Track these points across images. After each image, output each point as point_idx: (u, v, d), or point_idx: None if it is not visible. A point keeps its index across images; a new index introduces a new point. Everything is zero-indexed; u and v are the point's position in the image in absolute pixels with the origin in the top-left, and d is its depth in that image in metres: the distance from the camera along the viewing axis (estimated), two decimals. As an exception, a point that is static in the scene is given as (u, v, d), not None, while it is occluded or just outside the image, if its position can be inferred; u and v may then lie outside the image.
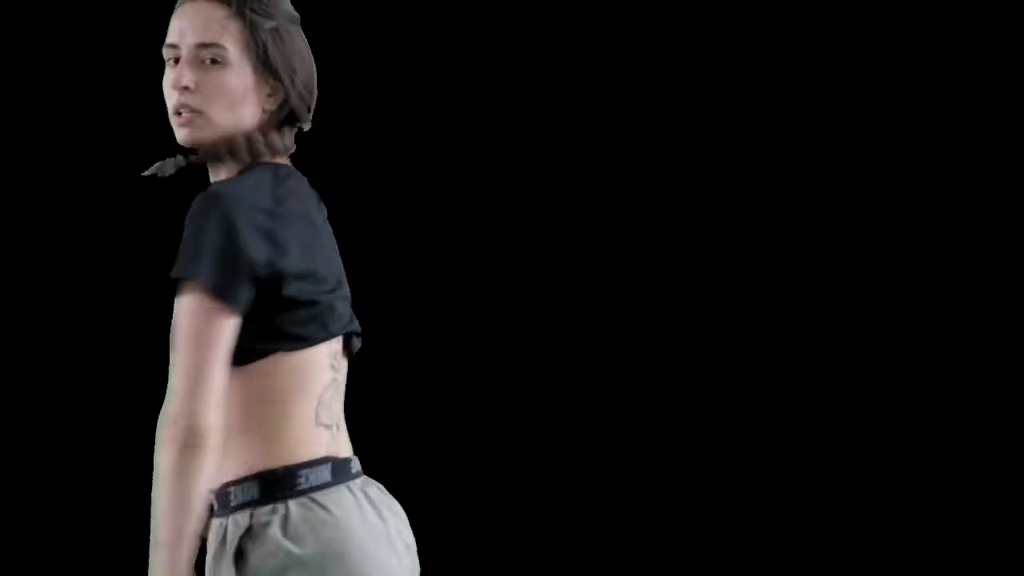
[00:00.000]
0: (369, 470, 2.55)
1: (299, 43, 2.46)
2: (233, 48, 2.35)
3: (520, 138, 4.46)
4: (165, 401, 2.27)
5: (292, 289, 2.32)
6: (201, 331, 2.30)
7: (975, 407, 4.42)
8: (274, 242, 2.30)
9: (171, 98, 2.36)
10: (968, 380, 4.42)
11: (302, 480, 2.36)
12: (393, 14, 4.44)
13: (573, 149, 4.47)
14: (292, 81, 2.41)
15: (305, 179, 2.51)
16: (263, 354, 2.33)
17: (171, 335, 2.33)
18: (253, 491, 2.33)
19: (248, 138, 2.37)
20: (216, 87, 2.34)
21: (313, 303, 2.37)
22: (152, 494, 2.25)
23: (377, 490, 2.52)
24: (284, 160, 2.47)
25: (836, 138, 4.44)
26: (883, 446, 4.43)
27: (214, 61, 2.34)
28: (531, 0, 4.43)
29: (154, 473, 2.24)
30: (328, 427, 2.46)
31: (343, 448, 2.51)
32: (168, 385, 2.30)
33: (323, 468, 2.40)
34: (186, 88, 2.33)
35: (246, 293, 2.29)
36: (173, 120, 2.37)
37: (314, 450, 2.41)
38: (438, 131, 4.46)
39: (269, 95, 2.39)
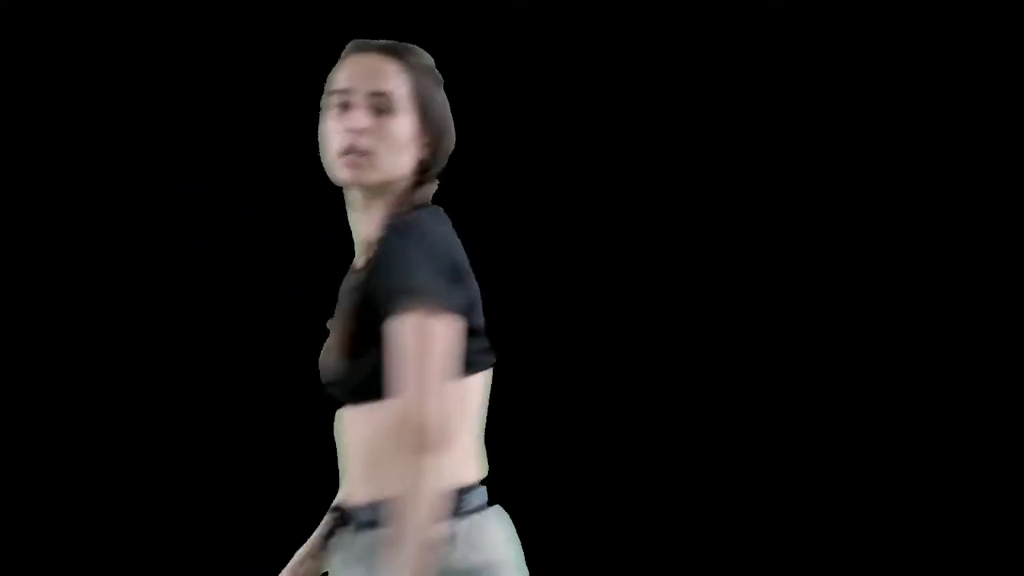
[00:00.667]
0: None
1: (445, 103, 2.61)
2: (401, 98, 2.50)
3: (519, 138, 4.46)
4: (404, 409, 2.33)
5: (475, 317, 2.43)
6: (433, 341, 2.35)
7: (975, 407, 4.43)
8: (463, 270, 2.46)
9: (339, 139, 2.50)
10: (968, 380, 4.43)
11: (464, 504, 2.46)
12: (393, 14, 4.44)
13: (573, 149, 4.47)
14: (442, 136, 2.56)
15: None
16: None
17: (397, 350, 2.35)
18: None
19: (409, 184, 2.51)
20: (386, 133, 2.47)
21: (482, 332, 2.47)
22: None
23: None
24: None
25: (836, 138, 4.44)
26: (883, 446, 4.44)
27: (385, 109, 2.48)
28: (531, 0, 4.44)
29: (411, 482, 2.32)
30: (477, 453, 2.54)
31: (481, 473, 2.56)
32: (406, 395, 2.34)
33: (480, 492, 2.51)
34: (360, 131, 2.47)
35: (463, 302, 2.40)
36: (337, 161, 2.50)
37: (472, 474, 2.50)
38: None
39: (425, 145, 2.52)
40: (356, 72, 2.55)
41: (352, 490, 2.54)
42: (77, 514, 4.46)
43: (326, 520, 2.71)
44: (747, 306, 4.46)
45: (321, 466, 4.50)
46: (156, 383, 4.46)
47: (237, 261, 4.45)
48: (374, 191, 2.49)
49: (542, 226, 4.50)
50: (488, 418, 2.44)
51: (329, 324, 2.64)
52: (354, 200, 2.52)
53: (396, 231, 2.41)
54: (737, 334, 4.46)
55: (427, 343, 2.33)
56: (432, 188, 2.58)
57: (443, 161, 2.59)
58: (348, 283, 2.55)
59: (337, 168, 2.51)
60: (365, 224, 2.52)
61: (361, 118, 2.49)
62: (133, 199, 4.47)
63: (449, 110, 2.61)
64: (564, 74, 4.44)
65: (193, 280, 4.46)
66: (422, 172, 2.53)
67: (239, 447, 4.44)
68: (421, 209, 2.50)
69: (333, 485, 4.46)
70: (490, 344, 2.49)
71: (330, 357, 2.57)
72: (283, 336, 4.45)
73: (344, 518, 2.57)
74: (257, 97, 4.45)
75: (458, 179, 4.41)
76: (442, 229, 2.49)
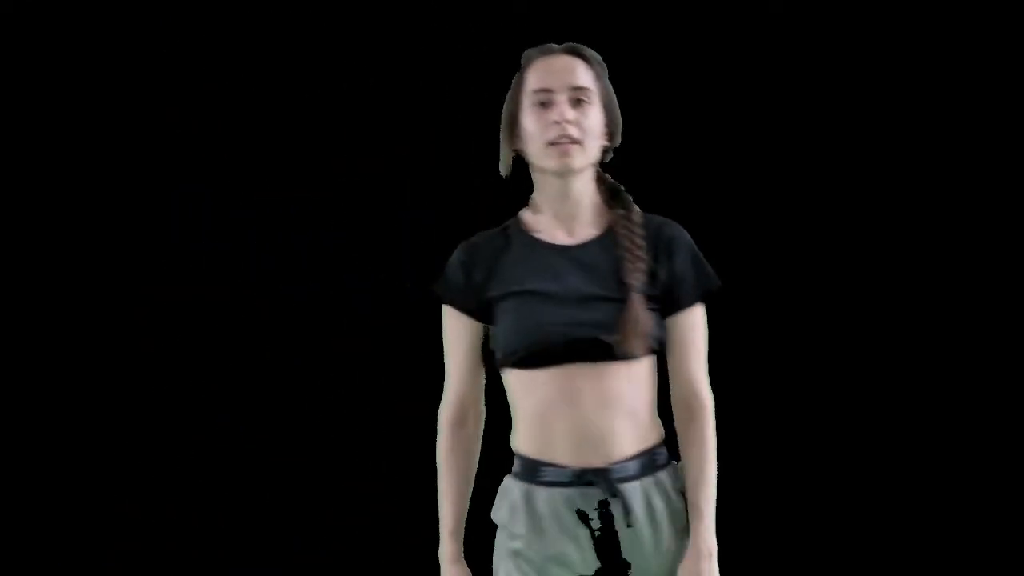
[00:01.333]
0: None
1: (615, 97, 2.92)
2: (594, 90, 2.82)
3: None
4: (700, 388, 2.81)
5: None
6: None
7: (974, 407, 4.43)
8: None
9: (549, 131, 2.78)
10: (967, 380, 4.43)
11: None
12: (393, 14, 4.44)
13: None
14: (616, 125, 2.88)
15: None
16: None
17: (694, 336, 2.80)
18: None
19: (601, 165, 2.88)
20: (589, 122, 2.80)
21: None
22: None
23: None
24: None
25: (835, 138, 4.44)
26: (882, 446, 4.44)
27: (585, 101, 2.80)
28: (531, 0, 4.44)
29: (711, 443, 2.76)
30: None
31: None
32: (699, 376, 2.81)
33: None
34: (569, 122, 2.77)
35: None
36: (547, 150, 2.78)
37: None
38: (438, 131, 4.46)
39: (605, 134, 2.85)
40: (552, 72, 2.82)
41: (611, 449, 2.74)
42: (77, 514, 4.45)
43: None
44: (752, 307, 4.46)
45: (320, 466, 4.51)
46: (156, 383, 4.46)
47: (237, 261, 4.45)
48: (575, 175, 2.80)
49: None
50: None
51: (567, 290, 2.77)
52: (549, 184, 2.82)
53: (673, 226, 2.84)
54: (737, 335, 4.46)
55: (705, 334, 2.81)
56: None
57: (610, 150, 2.90)
58: (591, 255, 2.80)
59: (548, 157, 2.79)
60: (569, 205, 2.82)
61: (567, 110, 2.78)
62: (133, 199, 4.47)
63: (616, 104, 2.90)
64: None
65: (193, 280, 4.46)
66: (603, 157, 2.87)
67: (239, 447, 4.44)
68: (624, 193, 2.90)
69: (333, 484, 4.47)
70: None
71: (610, 321, 2.74)
72: (283, 336, 4.45)
73: (595, 477, 2.74)
74: (257, 97, 4.45)
75: (459, 180, 4.40)
76: None
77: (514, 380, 2.75)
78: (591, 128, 2.79)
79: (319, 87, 4.45)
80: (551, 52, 2.85)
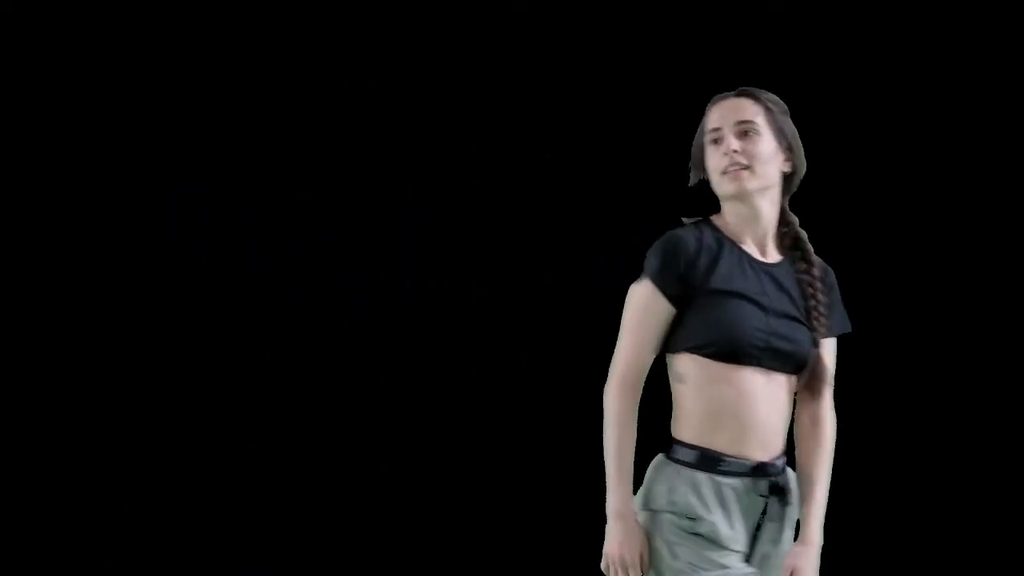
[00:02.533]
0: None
1: (794, 130, 3.16)
2: (761, 122, 3.11)
3: (516, 139, 4.46)
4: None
5: None
6: None
7: (975, 407, 4.43)
8: None
9: (721, 162, 3.07)
10: (968, 380, 4.43)
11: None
12: (392, 14, 4.44)
13: (573, 150, 4.47)
14: (795, 153, 3.14)
15: None
16: None
17: (830, 364, 3.08)
18: None
19: (779, 192, 3.13)
20: (756, 148, 3.09)
21: None
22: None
23: None
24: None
25: (835, 139, 4.44)
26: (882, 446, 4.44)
27: (750, 132, 3.09)
28: (531, 0, 4.44)
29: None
30: None
31: None
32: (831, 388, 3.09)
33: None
34: (735, 151, 3.07)
35: None
36: (721, 179, 3.08)
37: None
38: (438, 131, 4.46)
39: (784, 161, 3.12)
40: (723, 113, 3.14)
41: (772, 446, 3.02)
42: (78, 514, 4.45)
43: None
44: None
45: (320, 466, 4.51)
46: (156, 383, 4.46)
47: (237, 261, 4.45)
48: (753, 196, 3.09)
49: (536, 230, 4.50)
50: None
51: (771, 302, 3.05)
52: (734, 209, 3.09)
53: (830, 272, 3.13)
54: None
55: None
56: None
57: (797, 180, 3.17)
58: (784, 277, 3.10)
59: (723, 184, 3.09)
60: (758, 226, 3.10)
61: (733, 141, 3.09)
62: (133, 199, 4.47)
63: (798, 136, 3.16)
64: (564, 75, 4.44)
65: (193, 280, 4.46)
66: (786, 182, 3.14)
67: (239, 447, 4.44)
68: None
69: (332, 484, 4.46)
70: None
71: (805, 341, 3.05)
72: (283, 336, 4.45)
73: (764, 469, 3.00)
74: (257, 97, 4.45)
75: (459, 180, 4.38)
76: None
77: (697, 369, 3.02)
78: (759, 154, 3.09)
79: (319, 87, 4.45)
80: (725, 97, 3.17)
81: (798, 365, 3.05)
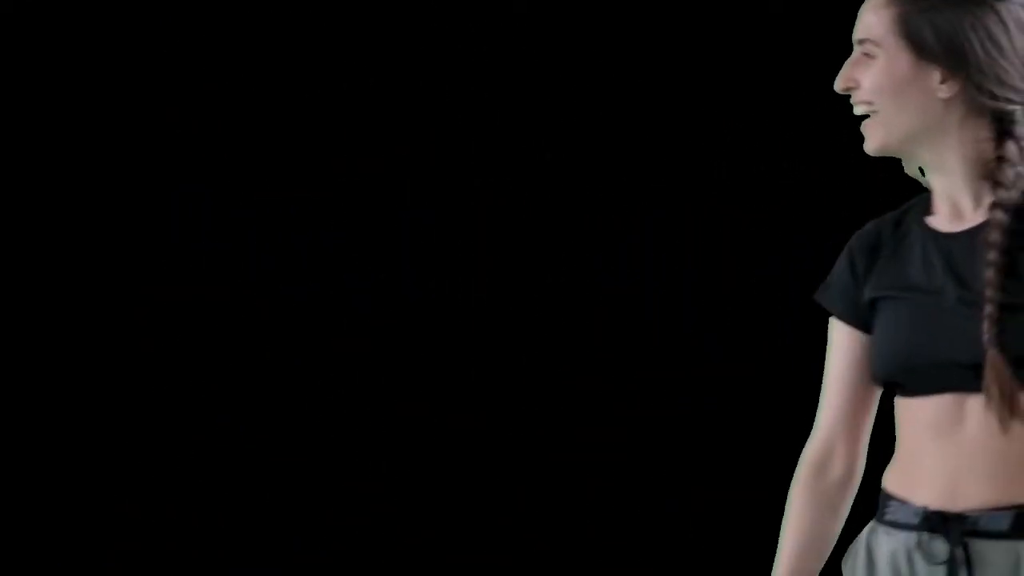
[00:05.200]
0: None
1: (962, 20, 2.18)
2: (883, 34, 2.22)
3: (516, 139, 4.46)
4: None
5: None
6: None
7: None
8: None
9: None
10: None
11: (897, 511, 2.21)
12: (391, 13, 4.44)
13: (573, 150, 4.47)
14: (965, 61, 2.17)
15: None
16: None
17: None
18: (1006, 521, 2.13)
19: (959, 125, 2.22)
20: (873, 79, 2.21)
21: None
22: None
23: None
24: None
25: (836, 138, 4.43)
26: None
27: (868, 55, 2.23)
28: (531, 0, 4.43)
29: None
30: None
31: None
32: None
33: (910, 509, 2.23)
34: (850, 87, 2.24)
35: None
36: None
37: None
38: (438, 131, 4.46)
39: (941, 82, 2.19)
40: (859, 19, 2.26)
41: (977, 491, 2.14)
42: (77, 514, 4.45)
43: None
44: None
45: (320, 466, 4.50)
46: (156, 383, 4.46)
47: (236, 261, 4.45)
48: (914, 150, 2.22)
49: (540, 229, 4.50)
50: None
51: (946, 288, 2.20)
52: (915, 164, 2.26)
53: None
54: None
55: None
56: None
57: (994, 90, 2.17)
58: (972, 247, 2.19)
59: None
60: (944, 181, 2.21)
61: (848, 73, 2.23)
62: (133, 199, 4.47)
63: (967, 30, 2.16)
64: (563, 74, 4.43)
65: (193, 280, 4.45)
66: (976, 103, 2.17)
67: (239, 447, 4.44)
68: None
69: (332, 484, 4.46)
70: None
71: (975, 336, 2.13)
72: (283, 336, 4.45)
73: (943, 524, 2.16)
74: (257, 97, 4.44)
75: (459, 180, 4.38)
76: None
77: (896, 404, 2.23)
78: (879, 86, 2.18)
79: (318, 87, 4.44)
80: None
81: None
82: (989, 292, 2.09)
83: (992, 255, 2.10)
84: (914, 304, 2.17)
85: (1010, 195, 2.13)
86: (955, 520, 2.12)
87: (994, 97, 2.16)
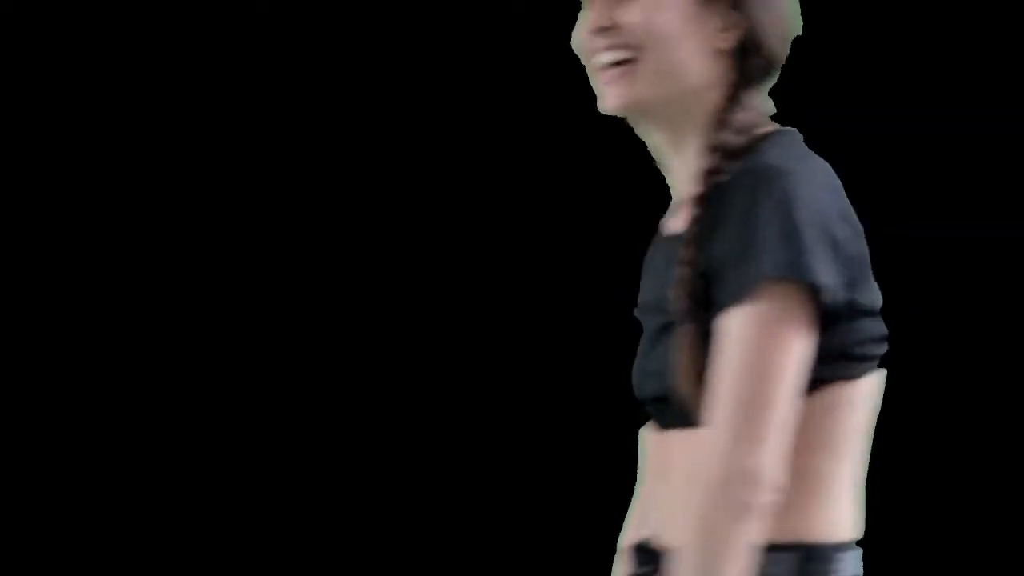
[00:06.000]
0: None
1: None
2: None
3: (515, 139, 4.46)
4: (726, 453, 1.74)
5: (862, 291, 1.83)
6: (780, 353, 1.73)
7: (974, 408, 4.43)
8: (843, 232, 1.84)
9: (586, 49, 1.92)
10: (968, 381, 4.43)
11: (839, 569, 1.83)
12: (390, 12, 4.44)
13: (573, 149, 4.47)
14: (751, 11, 1.84)
15: None
16: (821, 383, 1.80)
17: (722, 362, 1.74)
18: (787, 566, 1.80)
19: (722, 98, 1.85)
20: (639, 19, 1.83)
21: (875, 311, 1.85)
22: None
23: None
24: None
25: (833, 140, 4.43)
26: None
27: None
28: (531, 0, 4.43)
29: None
30: (855, 494, 1.89)
31: (859, 526, 1.92)
32: (728, 433, 1.74)
33: (854, 556, 1.87)
34: (602, 28, 1.85)
35: (841, 281, 1.79)
36: (597, 83, 1.91)
37: (848, 526, 1.87)
38: (436, 131, 4.46)
39: (722, 29, 1.84)
40: None
41: (669, 528, 1.89)
42: (75, 514, 4.45)
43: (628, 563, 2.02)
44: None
45: (320, 465, 4.50)
46: (155, 383, 4.46)
47: (236, 261, 4.45)
48: (644, 117, 1.84)
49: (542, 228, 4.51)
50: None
51: (638, 314, 1.93)
52: (652, 138, 1.89)
53: (742, 186, 1.74)
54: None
55: (769, 356, 1.71)
56: (764, 99, 1.87)
57: (775, 49, 1.84)
58: (660, 257, 1.89)
59: (600, 93, 1.86)
60: (672, 174, 1.88)
61: (598, 11, 1.83)
62: (131, 199, 4.47)
63: None
64: (563, 74, 4.43)
65: (192, 279, 4.46)
66: (741, 75, 1.83)
67: (240, 447, 4.44)
68: (770, 140, 1.81)
69: (333, 483, 4.46)
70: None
71: (657, 369, 1.84)
72: (283, 335, 4.45)
73: (649, 559, 1.94)
74: (257, 97, 4.45)
75: (457, 179, 4.40)
76: (810, 165, 1.79)
77: None
78: (648, 26, 1.78)
79: (318, 85, 4.45)
80: None
81: (674, 406, 1.80)
82: (672, 310, 1.79)
83: (680, 271, 1.77)
84: (642, 326, 1.91)
85: (714, 180, 1.78)
86: (661, 556, 1.88)
87: (762, 56, 1.84)
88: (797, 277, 1.70)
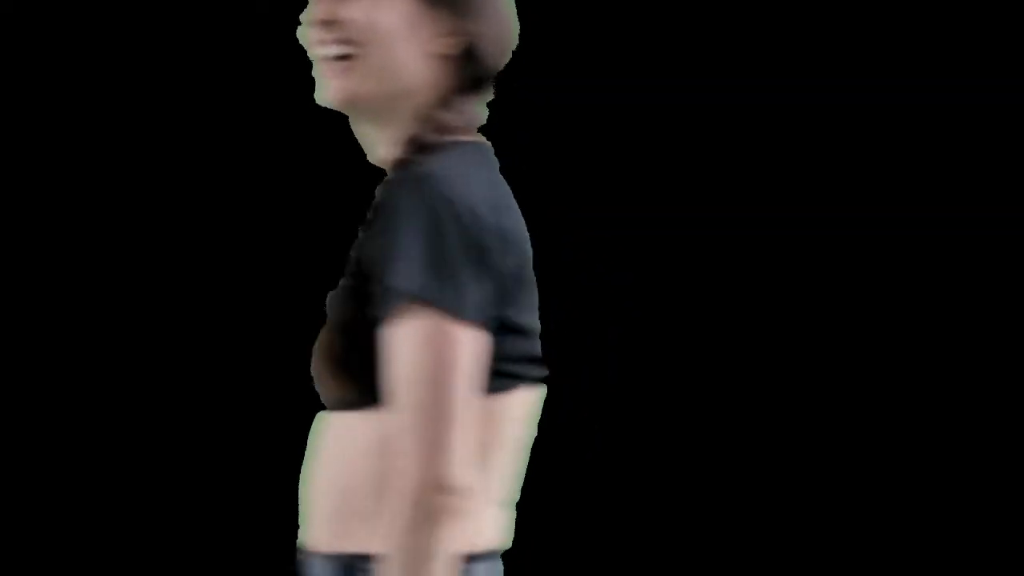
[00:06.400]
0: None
1: None
2: None
3: (515, 139, 4.44)
4: (414, 465, 1.76)
5: (512, 310, 1.84)
6: (448, 363, 1.74)
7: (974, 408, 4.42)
8: (495, 247, 1.84)
9: (311, 43, 1.96)
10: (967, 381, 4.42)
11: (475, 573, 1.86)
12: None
13: (572, 149, 4.46)
14: (471, 16, 1.87)
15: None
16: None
17: (396, 375, 1.77)
18: None
19: (433, 101, 1.89)
20: (358, 15, 1.88)
21: (527, 331, 1.87)
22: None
23: None
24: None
25: (835, 140, 4.44)
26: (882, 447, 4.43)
27: None
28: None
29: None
30: (501, 505, 1.93)
31: (504, 537, 1.96)
32: (413, 446, 1.75)
33: (488, 567, 1.91)
34: (322, 20, 1.89)
35: (482, 297, 1.80)
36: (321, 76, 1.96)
37: (490, 537, 1.92)
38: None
39: (437, 35, 1.88)
40: None
41: (317, 531, 1.91)
42: (74, 514, 4.45)
43: None
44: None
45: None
46: (154, 383, 4.46)
47: (234, 260, 4.44)
48: (357, 114, 1.91)
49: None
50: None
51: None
52: (364, 131, 1.95)
53: (398, 189, 1.77)
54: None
55: (439, 367, 1.73)
56: (477, 108, 1.91)
57: (493, 59, 1.89)
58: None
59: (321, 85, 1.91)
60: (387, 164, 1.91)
61: (318, 6, 1.87)
62: (130, 199, 4.47)
63: None
64: (562, 75, 4.43)
65: (190, 278, 4.45)
66: (457, 81, 1.88)
67: (241, 447, 4.44)
68: (453, 148, 1.84)
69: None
70: (541, 352, 1.93)
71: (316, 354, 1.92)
72: (282, 335, 4.44)
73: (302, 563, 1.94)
74: (257, 96, 4.44)
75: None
76: (476, 179, 1.81)
77: None
78: (369, 24, 1.83)
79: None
80: None
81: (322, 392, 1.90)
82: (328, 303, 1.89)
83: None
84: None
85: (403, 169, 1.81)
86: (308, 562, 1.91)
87: (479, 65, 1.88)
88: (430, 298, 1.72)
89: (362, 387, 1.83)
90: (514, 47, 1.94)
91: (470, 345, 1.75)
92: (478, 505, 1.84)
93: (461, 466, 1.74)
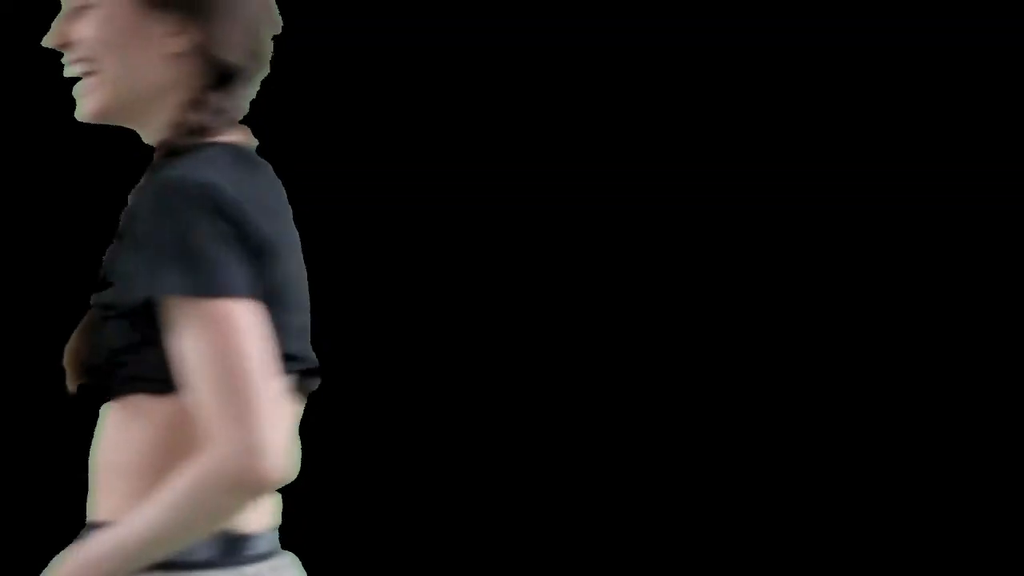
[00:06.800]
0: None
1: None
2: None
3: (513, 138, 4.45)
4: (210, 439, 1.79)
5: (279, 314, 1.92)
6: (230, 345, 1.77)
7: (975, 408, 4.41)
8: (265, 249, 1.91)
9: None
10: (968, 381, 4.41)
11: (249, 547, 1.94)
12: (388, 11, 4.43)
13: (571, 149, 4.46)
14: (208, 15, 1.92)
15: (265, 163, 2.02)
16: None
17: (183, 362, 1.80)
18: (211, 550, 1.89)
19: (179, 105, 1.95)
20: (90, 31, 1.94)
21: (274, 327, 1.89)
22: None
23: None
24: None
25: (835, 141, 4.43)
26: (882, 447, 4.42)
27: (88, 6, 1.95)
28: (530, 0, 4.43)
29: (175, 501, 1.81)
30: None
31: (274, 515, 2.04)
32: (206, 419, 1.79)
33: (270, 537, 2.00)
34: (63, 43, 1.97)
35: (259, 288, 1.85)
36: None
37: (260, 520, 1.98)
38: (435, 131, 4.45)
39: (169, 34, 1.92)
40: None
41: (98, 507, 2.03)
42: (73, 514, 4.44)
43: None
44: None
45: (320, 465, 4.49)
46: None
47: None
48: (130, 120, 1.97)
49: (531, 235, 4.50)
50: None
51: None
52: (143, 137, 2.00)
53: (143, 196, 1.83)
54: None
55: (226, 345, 1.77)
56: (234, 104, 1.97)
57: (235, 53, 1.92)
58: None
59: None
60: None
61: (62, 26, 1.94)
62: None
63: None
64: (561, 74, 4.43)
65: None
66: (203, 79, 1.92)
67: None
68: (207, 150, 1.88)
69: (334, 483, 4.44)
70: (309, 348, 2.04)
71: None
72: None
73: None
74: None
75: (450, 178, 4.37)
76: (229, 176, 1.85)
77: None
78: (98, 38, 1.89)
79: (317, 84, 4.45)
80: None
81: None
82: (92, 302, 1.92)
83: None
84: None
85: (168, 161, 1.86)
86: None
87: (221, 60, 1.91)
88: (191, 292, 1.76)
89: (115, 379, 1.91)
90: (273, 35, 1.99)
91: (246, 317, 1.78)
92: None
93: (272, 431, 1.76)
